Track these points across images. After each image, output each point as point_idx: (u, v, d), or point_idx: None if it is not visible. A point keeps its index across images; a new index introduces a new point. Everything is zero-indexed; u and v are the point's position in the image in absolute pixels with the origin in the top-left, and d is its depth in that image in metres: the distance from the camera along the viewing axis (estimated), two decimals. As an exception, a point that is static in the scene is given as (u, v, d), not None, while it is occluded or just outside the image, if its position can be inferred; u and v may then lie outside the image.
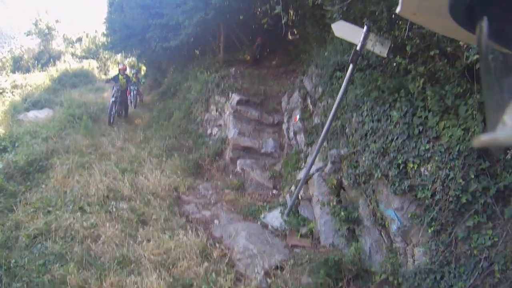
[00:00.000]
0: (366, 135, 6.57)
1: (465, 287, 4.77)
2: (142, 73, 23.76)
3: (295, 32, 14.64)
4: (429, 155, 5.32)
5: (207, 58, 15.41)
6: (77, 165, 9.35)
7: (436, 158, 5.21)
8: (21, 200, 7.70)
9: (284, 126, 10.06)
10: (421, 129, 5.55)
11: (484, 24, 0.58)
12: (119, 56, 24.44)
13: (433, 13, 0.66)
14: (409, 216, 5.50)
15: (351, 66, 6.02)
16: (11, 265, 5.53)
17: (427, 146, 5.34)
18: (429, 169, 5.30)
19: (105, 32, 20.86)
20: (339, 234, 6.61)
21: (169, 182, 8.89)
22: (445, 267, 5.04)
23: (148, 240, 6.53)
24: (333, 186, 6.99)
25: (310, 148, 8.73)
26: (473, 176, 4.84)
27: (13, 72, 23.26)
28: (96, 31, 30.17)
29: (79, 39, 30.88)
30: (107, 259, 6.01)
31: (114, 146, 11.35)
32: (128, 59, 24.16)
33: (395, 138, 5.80)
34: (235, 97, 10.54)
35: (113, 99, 13.80)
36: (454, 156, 5.02)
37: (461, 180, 4.87)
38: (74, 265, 5.69)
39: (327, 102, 8.71)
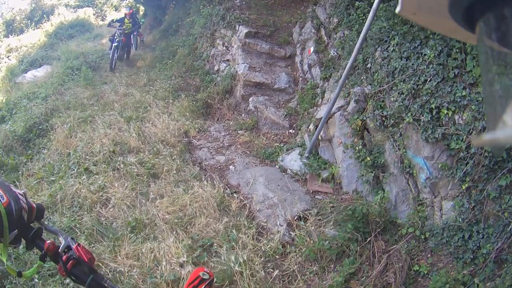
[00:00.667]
0: (393, 73, 5.90)
1: (493, 250, 4.46)
2: (141, 13, 22.42)
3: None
4: (465, 102, 4.88)
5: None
6: (79, 121, 8.82)
7: (473, 107, 4.79)
8: (23, 173, 7.20)
9: (297, 59, 9.16)
10: (456, 73, 5.08)
11: (484, 24, 0.56)
12: (115, 0, 22.99)
13: (433, 13, 0.62)
14: (439, 166, 5.11)
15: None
16: (20, 250, 4.79)
17: (464, 93, 4.90)
18: (464, 117, 4.89)
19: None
20: (363, 180, 6.08)
21: (178, 126, 8.25)
22: (474, 226, 4.73)
23: (161, 196, 6.02)
24: (357, 128, 6.29)
25: (326, 83, 7.94)
26: (510, 131, 4.37)
27: (7, 36, 22.19)
28: None
29: None
30: (120, 225, 5.53)
31: (117, 93, 10.70)
32: (125, 1, 22.74)
33: (428, 80, 5.29)
34: (242, 30, 9.55)
35: (116, 43, 12.96)
36: (492, 105, 4.49)
37: (498, 135, 4.40)
38: (85, 239, 5.22)
39: (344, 34, 7.95)
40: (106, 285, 1.40)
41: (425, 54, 5.50)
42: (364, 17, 7.32)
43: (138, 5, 22.76)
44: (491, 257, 4.45)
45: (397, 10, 0.65)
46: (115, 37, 13.20)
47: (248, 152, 7.62)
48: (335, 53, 8.03)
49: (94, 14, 24.66)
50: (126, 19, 13.74)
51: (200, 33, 11.60)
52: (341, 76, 7.04)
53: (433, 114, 5.16)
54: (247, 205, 6.03)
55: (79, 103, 9.96)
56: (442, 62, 5.21)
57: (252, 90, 8.72)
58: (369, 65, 6.56)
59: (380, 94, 6.14)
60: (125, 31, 13.55)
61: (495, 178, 4.62)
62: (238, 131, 8.22)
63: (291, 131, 8.01)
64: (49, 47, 17.36)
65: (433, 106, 5.16)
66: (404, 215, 5.61)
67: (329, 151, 6.90)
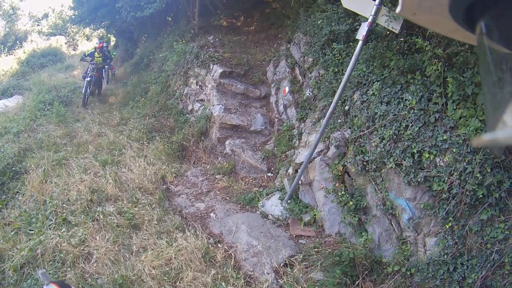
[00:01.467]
0: (373, 117, 5.83)
1: (478, 279, 4.67)
2: (112, 43, 21.93)
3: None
4: (446, 146, 4.95)
5: (181, 25, 13.94)
6: (54, 164, 8.21)
7: (454, 149, 4.87)
8: (-1, 221, 6.63)
9: (273, 99, 8.94)
10: (437, 117, 5.15)
11: (484, 24, 0.56)
12: (87, 29, 22.44)
13: (433, 13, 0.62)
14: (421, 206, 5.15)
15: (360, 43, 5.14)
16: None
17: (445, 136, 4.96)
18: (445, 160, 4.96)
19: (72, 5, 18.88)
20: (346, 223, 5.96)
21: (154, 171, 7.85)
22: (458, 259, 4.87)
23: (145, 249, 5.70)
24: (339, 173, 6.12)
25: (303, 124, 7.74)
26: (489, 170, 4.64)
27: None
28: (62, 5, 27.06)
29: (45, 15, 28.08)
30: (105, 282, 5.14)
31: (90, 132, 10.08)
32: (97, 31, 22.20)
33: (410, 125, 5.32)
34: (217, 69, 9.29)
35: (88, 78, 12.43)
36: (472, 148, 4.77)
37: (478, 174, 4.66)
38: (72, 299, 4.77)
39: (319, 73, 7.81)
40: None
41: (406, 99, 5.45)
42: (340, 57, 7.21)
43: (109, 36, 22.33)
44: (477, 285, 4.64)
45: (397, 10, 0.63)
46: (88, 72, 12.67)
47: (227, 198, 7.29)
48: (311, 93, 7.83)
49: (66, 43, 24.03)
50: (96, 53, 13.26)
51: (173, 70, 11.26)
52: (319, 119, 6.91)
53: (415, 158, 5.15)
54: (232, 254, 5.75)
55: (52, 143, 9.38)
56: (423, 107, 5.23)
57: (228, 132, 8.41)
58: (347, 108, 6.41)
59: (360, 139, 5.98)
60: (98, 66, 13.07)
61: (476, 213, 4.77)
62: (216, 176, 7.88)
63: (269, 174, 7.72)
64: (21, 75, 16.79)
65: (414, 150, 5.15)
66: (389, 254, 5.58)
67: (309, 194, 6.66)
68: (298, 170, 6.49)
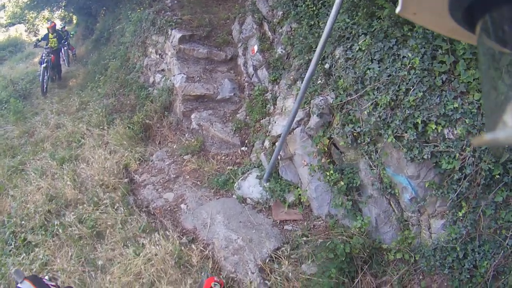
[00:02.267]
0: (362, 79, 4.72)
1: (491, 266, 4.06)
2: (75, 21, 20.10)
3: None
4: (457, 116, 4.06)
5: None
6: (10, 172, 7.21)
7: (466, 120, 4.02)
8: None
9: (240, 61, 7.61)
10: (444, 79, 4.21)
11: (484, 24, 0.54)
12: (46, 12, 20.44)
13: (433, 13, 0.60)
14: (426, 185, 4.35)
15: None
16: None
17: (455, 104, 4.07)
18: (456, 132, 4.11)
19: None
20: (337, 203, 4.96)
21: (116, 160, 6.79)
22: (468, 245, 4.21)
23: (110, 261, 4.96)
24: (325, 147, 4.92)
25: (276, 86, 6.54)
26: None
27: None
28: None
29: (2, 6, 25.67)
30: None
31: (48, 125, 8.89)
32: (57, 12, 20.28)
33: (411, 89, 4.32)
34: (176, 34, 7.89)
35: (44, 64, 10.88)
36: (488, 118, 3.63)
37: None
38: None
39: (291, 28, 6.61)
40: None
41: (404, 57, 4.43)
42: (314, 8, 5.98)
43: (70, 14, 20.47)
44: (490, 274, 4.06)
45: (397, 10, 0.60)
46: (43, 57, 11.13)
47: (198, 183, 6.15)
48: (283, 51, 6.59)
49: (26, 31, 21.99)
50: (50, 34, 11.67)
51: (131, 41, 9.82)
52: (295, 81, 5.78)
53: (419, 130, 4.23)
54: (210, 254, 4.89)
55: (8, 146, 8.33)
56: (426, 67, 4.26)
57: (193, 104, 7.13)
58: (328, 67, 5.25)
59: (348, 106, 4.87)
60: (53, 49, 11.50)
61: (490, 194, 4.08)
62: (184, 157, 6.67)
63: (243, 149, 6.52)
64: None
65: (418, 120, 4.22)
66: (389, 237, 4.82)
67: (291, 170, 5.58)
68: (276, 144, 5.36)
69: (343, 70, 4.92)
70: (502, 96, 0.51)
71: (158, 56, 8.65)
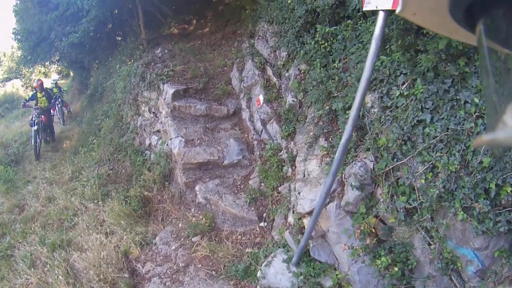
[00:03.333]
0: (410, 135, 3.57)
1: None
2: (72, 75, 19.17)
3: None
4: None
5: (128, 43, 11.34)
6: None
7: None
8: None
9: (245, 115, 6.38)
10: None
11: (484, 24, 0.53)
12: (42, 67, 19.59)
13: (433, 13, 0.59)
14: (495, 255, 3.44)
15: (382, 15, 2.73)
16: None
17: None
18: None
19: (17, 45, 16.11)
20: (386, 284, 3.80)
21: (114, 245, 5.53)
22: None
23: None
24: (371, 229, 3.66)
25: (292, 142, 5.32)
26: None
27: None
28: (12, 47, 23.42)
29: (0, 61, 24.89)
30: None
31: (39, 198, 7.67)
32: (53, 66, 19.41)
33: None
34: (168, 90, 6.72)
35: (35, 127, 9.71)
36: None
37: None
38: None
39: (299, 71, 5.45)
40: None
41: (466, 102, 3.30)
42: (326, 44, 4.78)
43: (68, 70, 19.58)
44: None
45: (398, 10, 0.59)
46: (33, 118, 9.96)
47: (213, 273, 4.85)
48: (294, 100, 5.40)
49: (22, 86, 21.09)
50: (38, 93, 10.52)
51: (122, 98, 8.67)
52: (316, 138, 4.49)
53: (491, 195, 3.24)
54: None
55: None
56: None
57: (196, 174, 5.88)
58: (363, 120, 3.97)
59: (397, 173, 3.67)
60: (43, 109, 10.35)
61: None
62: (193, 239, 5.35)
63: (262, 225, 5.21)
64: None
65: (491, 185, 3.20)
66: None
67: (324, 250, 4.33)
68: (304, 221, 4.09)
69: (381, 124, 3.72)
70: (502, 97, 0.48)
71: (152, 115, 7.47)
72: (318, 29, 4.76)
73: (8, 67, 23.94)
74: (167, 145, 6.44)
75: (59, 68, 20.93)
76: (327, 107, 4.56)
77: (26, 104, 10.58)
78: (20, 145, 10.93)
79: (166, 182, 6.32)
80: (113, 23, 13.43)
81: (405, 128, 3.50)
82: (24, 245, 6.18)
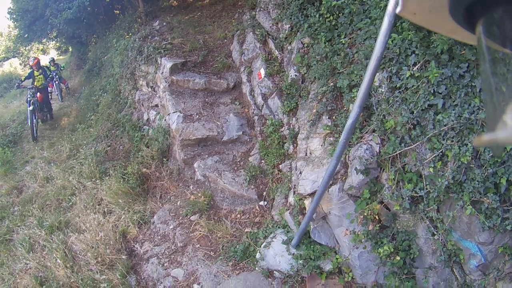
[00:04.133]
0: (420, 119, 3.31)
1: None
2: (70, 50, 18.67)
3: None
4: None
5: (126, 16, 10.86)
6: None
7: None
8: None
9: (246, 89, 6.04)
10: None
11: (484, 24, 0.52)
12: (40, 44, 19.02)
13: (433, 13, 0.57)
14: (499, 251, 3.27)
15: None
16: None
17: None
18: None
19: (13, 24, 15.59)
20: (387, 272, 3.69)
21: (112, 225, 5.33)
22: None
23: None
24: (374, 215, 3.46)
25: (293, 118, 5.07)
26: None
27: None
28: (9, 26, 22.56)
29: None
30: None
31: (36, 179, 7.39)
32: (50, 42, 18.85)
33: None
34: (166, 63, 6.38)
35: (31, 107, 9.30)
36: None
37: None
38: None
39: (303, 44, 5.09)
40: None
41: (482, 90, 3.06)
42: (332, 18, 4.45)
43: (67, 46, 19.03)
44: None
45: (398, 10, 0.58)
46: (28, 98, 9.56)
47: (212, 253, 4.64)
48: (297, 74, 5.06)
49: (20, 64, 20.57)
50: (34, 71, 10.14)
51: (120, 73, 8.32)
52: (319, 115, 4.19)
53: (500, 191, 3.04)
54: None
55: None
56: None
57: (194, 150, 5.60)
58: (372, 100, 3.65)
59: (404, 158, 3.42)
60: (39, 87, 9.98)
61: None
62: (191, 217, 5.12)
63: (262, 203, 4.96)
64: None
65: (502, 180, 2.99)
66: None
67: (325, 232, 4.11)
68: (305, 202, 3.84)
69: (389, 105, 3.41)
70: (502, 97, 0.48)
71: (150, 89, 7.14)
72: (323, 2, 4.39)
73: (6, 47, 23.32)
74: (165, 120, 6.14)
75: (57, 45, 20.37)
76: (332, 84, 4.26)
77: (21, 84, 10.19)
78: (18, 125, 10.66)
79: (164, 159, 6.05)
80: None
81: (415, 112, 3.21)
82: (22, 228, 5.97)
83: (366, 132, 3.69)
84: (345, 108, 4.09)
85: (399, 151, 3.31)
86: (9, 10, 12.85)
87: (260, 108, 5.58)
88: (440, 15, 0.56)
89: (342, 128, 3.80)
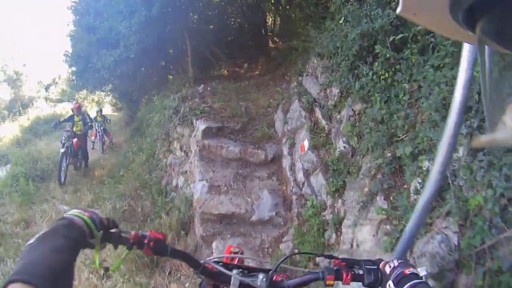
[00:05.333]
0: None
1: None
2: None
3: (277, 40, 10.23)
4: None
5: (176, 79, 10.68)
6: None
7: None
8: None
9: (286, 163, 5.10)
10: None
11: (485, 24, 0.48)
12: (95, 96, 19.57)
13: (433, 13, 0.54)
14: None
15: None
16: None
17: None
18: None
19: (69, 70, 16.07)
20: None
21: None
22: None
23: None
24: None
25: (339, 201, 3.98)
26: None
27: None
28: (68, 71, 23.92)
29: (55, 82, 25.42)
30: None
31: (46, 218, 6.84)
32: (105, 98, 19.36)
33: None
34: (199, 126, 5.66)
35: (63, 149, 8.88)
36: None
37: None
38: None
39: (354, 112, 4.26)
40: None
41: None
42: (387, 75, 3.57)
43: (119, 103, 19.38)
44: None
45: (398, 10, 0.54)
46: (62, 140, 9.19)
47: None
48: (346, 146, 4.14)
49: (72, 110, 21.05)
50: (75, 116, 9.84)
51: (157, 133, 7.73)
52: (371, 197, 3.20)
53: None
54: None
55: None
56: None
57: (215, 227, 4.58)
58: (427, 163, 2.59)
59: (496, 251, 2.19)
60: (76, 132, 9.62)
61: None
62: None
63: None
64: (23, 142, 14.17)
65: None
66: None
67: None
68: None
69: (473, 174, 2.36)
70: (502, 97, 0.47)
71: (183, 154, 6.39)
72: (377, 50, 3.58)
73: (62, 90, 24.31)
74: (190, 188, 5.28)
75: (113, 101, 20.84)
76: (389, 154, 3.29)
77: (57, 125, 9.93)
78: (51, 163, 10.10)
79: (182, 231, 5.08)
80: (165, 61, 12.98)
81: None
82: (12, 262, 5.26)
83: (438, 217, 2.59)
84: (406, 186, 3.05)
85: (490, 243, 2.16)
86: (65, 53, 12.92)
87: (301, 186, 4.60)
88: (441, 15, 0.51)
89: (403, 212, 2.77)
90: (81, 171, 10.01)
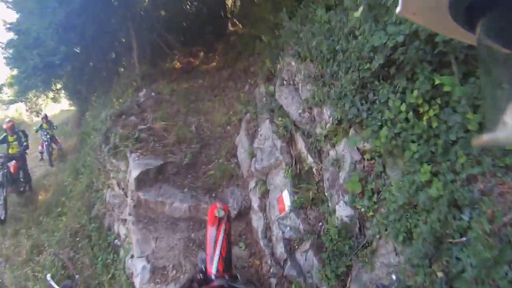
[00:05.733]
0: None
1: None
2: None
3: (237, 22, 8.31)
4: None
5: (122, 78, 8.55)
6: None
7: None
8: None
9: (257, 222, 3.29)
10: None
11: (484, 24, 0.47)
12: (50, 93, 16.80)
13: (433, 13, 0.52)
14: None
15: None
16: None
17: None
18: None
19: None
20: None
21: None
22: None
23: None
24: None
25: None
26: None
27: None
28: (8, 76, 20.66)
29: (9, 84, 22.02)
30: None
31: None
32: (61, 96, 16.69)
33: None
34: (132, 169, 3.74)
35: None
36: None
37: None
38: None
39: (362, 154, 2.50)
40: None
41: None
42: (432, 113, 1.73)
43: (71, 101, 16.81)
44: None
45: (397, 10, 0.52)
46: None
47: None
48: (352, 212, 2.42)
49: (27, 110, 18.16)
50: (9, 136, 7.66)
51: (92, 158, 5.73)
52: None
53: None
54: None
55: None
56: None
57: None
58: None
59: None
60: (14, 155, 7.47)
61: None
62: None
63: None
64: None
65: None
66: None
67: None
68: None
69: None
70: (502, 97, 0.44)
71: (121, 191, 4.47)
72: (442, 81, 1.82)
73: (15, 90, 21.13)
74: (129, 262, 3.44)
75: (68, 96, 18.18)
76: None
77: None
78: None
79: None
80: (116, 54, 10.71)
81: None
82: None
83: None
84: None
85: None
86: (5, 56, 10.20)
87: (281, 263, 2.84)
88: (440, 15, 0.50)
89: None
90: (23, 197, 7.84)
